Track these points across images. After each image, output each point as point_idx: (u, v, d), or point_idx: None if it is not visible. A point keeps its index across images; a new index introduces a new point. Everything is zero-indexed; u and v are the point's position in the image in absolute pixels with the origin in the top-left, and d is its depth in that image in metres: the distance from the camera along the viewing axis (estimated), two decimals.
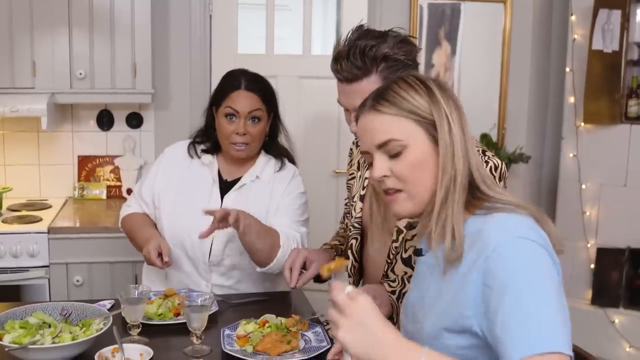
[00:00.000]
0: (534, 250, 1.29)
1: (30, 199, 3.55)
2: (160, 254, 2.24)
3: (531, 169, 4.09)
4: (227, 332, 1.91)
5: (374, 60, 1.89)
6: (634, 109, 3.90)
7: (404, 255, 1.98)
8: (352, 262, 2.14)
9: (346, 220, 2.35)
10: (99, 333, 1.75)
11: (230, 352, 1.78)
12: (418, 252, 1.55)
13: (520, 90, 4.04)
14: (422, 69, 2.33)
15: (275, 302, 2.24)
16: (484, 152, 1.97)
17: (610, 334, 3.84)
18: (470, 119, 1.46)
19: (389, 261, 2.01)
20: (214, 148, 2.48)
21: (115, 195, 3.63)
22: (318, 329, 1.96)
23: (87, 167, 3.63)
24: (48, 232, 3.06)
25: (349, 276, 2.19)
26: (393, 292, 1.92)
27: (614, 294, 3.92)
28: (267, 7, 3.72)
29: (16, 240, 3.03)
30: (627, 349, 3.81)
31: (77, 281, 3.09)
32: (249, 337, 1.88)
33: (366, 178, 2.13)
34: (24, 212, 3.30)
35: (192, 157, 2.48)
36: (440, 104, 1.41)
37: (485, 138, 3.93)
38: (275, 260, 2.29)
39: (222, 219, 2.13)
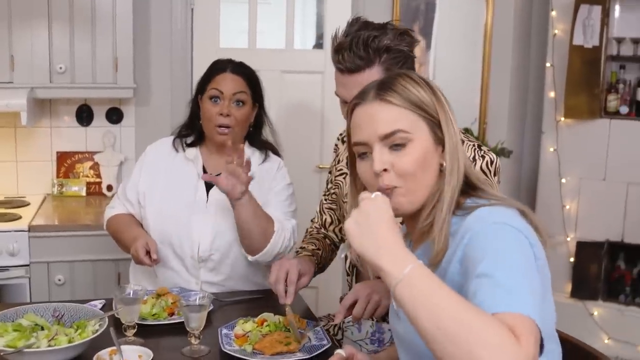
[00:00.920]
0: (508, 231, 1.25)
1: (7, 196, 3.47)
2: (148, 252, 2.21)
3: (511, 163, 4.11)
4: (224, 331, 1.88)
5: (376, 51, 1.88)
6: (613, 103, 3.95)
7: None
8: (350, 260, 2.12)
9: (324, 216, 2.30)
10: (95, 335, 1.71)
11: (231, 352, 1.76)
12: None
13: (502, 84, 4.06)
14: None
15: (269, 299, 2.21)
16: (479, 146, 1.96)
17: (589, 326, 3.89)
18: None
19: None
20: (199, 139, 2.46)
21: (95, 192, 3.57)
22: (317, 328, 1.93)
23: (66, 163, 3.55)
24: (28, 230, 2.99)
25: (347, 274, 2.18)
26: None
27: (593, 286, 3.97)
28: (249, 1, 3.68)
29: None
30: (606, 341, 3.87)
31: (59, 280, 3.03)
32: (248, 337, 1.85)
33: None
34: (2, 210, 3.22)
35: (177, 150, 2.45)
36: (444, 103, 1.40)
37: (466, 132, 3.94)
38: (267, 246, 2.26)
39: (246, 166, 2.13)
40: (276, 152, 2.54)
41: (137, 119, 3.63)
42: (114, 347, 1.69)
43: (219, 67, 2.41)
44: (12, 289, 2.97)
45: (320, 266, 2.22)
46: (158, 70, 3.63)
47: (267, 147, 2.51)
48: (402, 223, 1.82)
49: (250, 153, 2.44)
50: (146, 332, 1.89)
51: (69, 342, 1.66)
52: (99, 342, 1.72)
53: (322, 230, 2.31)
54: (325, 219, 2.30)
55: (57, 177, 3.54)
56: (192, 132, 2.47)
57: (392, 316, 1.56)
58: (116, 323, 1.87)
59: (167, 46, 3.62)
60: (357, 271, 2.18)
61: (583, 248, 3.98)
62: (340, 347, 1.66)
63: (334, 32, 1.98)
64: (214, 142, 2.39)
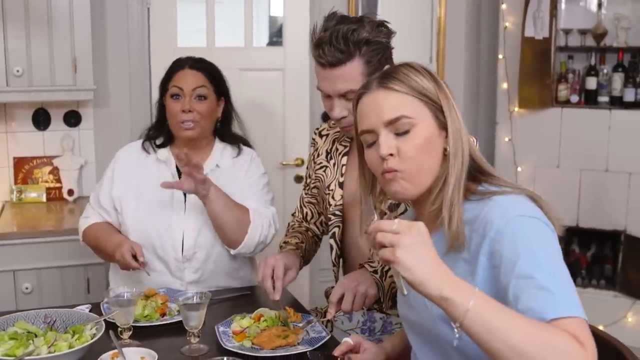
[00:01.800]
0: (534, 225, 1.32)
1: None
2: (134, 256, 2.18)
3: None
4: (221, 328, 1.87)
5: (356, 44, 1.90)
6: (563, 93, 4.08)
7: None
8: (335, 250, 2.14)
9: (305, 210, 2.31)
10: (94, 339, 1.67)
11: (232, 349, 1.75)
12: None
13: (456, 78, 4.14)
14: None
15: (258, 295, 2.21)
16: None
17: None
18: None
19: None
20: (168, 139, 2.44)
21: (56, 197, 3.47)
22: (311, 322, 1.94)
23: (23, 169, 3.45)
24: None
25: (333, 265, 2.19)
26: (375, 272, 1.93)
27: None
28: (207, 0, 3.65)
29: None
30: None
31: (26, 288, 2.94)
32: (246, 333, 1.84)
33: (343, 165, 2.13)
34: None
35: (148, 152, 2.43)
36: (445, 90, 1.44)
37: None
38: (246, 237, 2.28)
39: (194, 168, 2.14)
40: (248, 145, 2.54)
41: (96, 121, 3.56)
42: (115, 350, 1.66)
43: (178, 64, 2.41)
44: None
45: (305, 259, 2.22)
46: (115, 71, 3.56)
47: (238, 141, 2.50)
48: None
49: (222, 148, 2.45)
50: (141, 334, 1.86)
51: (69, 347, 1.62)
52: (95, 347, 1.69)
53: (304, 223, 2.31)
54: (307, 213, 2.31)
55: (15, 183, 3.44)
56: (160, 133, 2.45)
57: (402, 304, 1.59)
58: (108, 327, 1.83)
59: (124, 46, 3.56)
60: (343, 262, 2.19)
61: None
62: None
63: (311, 28, 2.00)
64: (181, 139, 2.37)
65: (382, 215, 1.96)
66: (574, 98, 4.07)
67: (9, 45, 3.09)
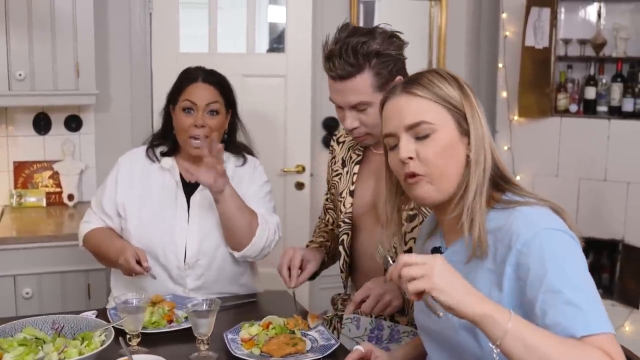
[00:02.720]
0: (562, 238, 1.34)
1: None
2: (138, 261, 2.17)
3: None
4: (230, 336, 1.87)
5: (366, 57, 1.91)
6: (562, 102, 4.09)
7: (405, 248, 1.99)
8: (343, 257, 2.14)
9: (327, 216, 2.34)
10: (104, 346, 1.67)
11: (242, 357, 1.74)
12: (437, 250, 1.55)
13: None
14: None
15: (265, 302, 2.21)
16: None
17: None
18: None
19: (392, 256, 2.01)
20: (173, 149, 2.43)
21: (56, 202, 3.46)
22: (321, 327, 1.94)
23: (24, 173, 3.44)
24: None
25: (341, 271, 2.19)
26: None
27: None
28: (209, 6, 3.65)
29: None
30: None
31: (27, 294, 2.93)
32: (255, 340, 1.84)
33: (355, 173, 2.14)
34: None
35: (152, 160, 2.42)
36: (471, 97, 1.45)
37: None
38: (253, 239, 2.28)
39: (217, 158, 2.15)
40: (251, 154, 2.55)
41: (97, 126, 3.55)
42: (125, 357, 1.65)
43: (190, 76, 2.37)
44: None
45: (331, 256, 2.25)
46: (117, 76, 3.56)
47: (242, 150, 2.50)
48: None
49: (226, 158, 2.43)
50: (149, 341, 1.85)
51: (80, 354, 1.61)
52: (104, 353, 1.68)
53: (330, 226, 2.33)
54: (328, 219, 2.35)
55: (15, 187, 3.42)
56: (165, 141, 2.44)
57: (420, 313, 1.59)
58: (116, 333, 1.82)
59: (126, 51, 3.56)
60: (353, 269, 2.20)
61: None
62: None
63: (324, 39, 2.01)
64: (189, 153, 2.36)
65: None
66: (573, 107, 4.08)
67: (12, 50, 3.08)
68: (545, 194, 4.16)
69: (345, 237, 2.13)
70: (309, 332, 1.91)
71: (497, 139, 4.17)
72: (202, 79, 2.35)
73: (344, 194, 2.15)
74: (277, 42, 4.06)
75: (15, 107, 3.35)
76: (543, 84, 4.00)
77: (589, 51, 4.07)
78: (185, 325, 1.94)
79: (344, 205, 2.14)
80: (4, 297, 2.91)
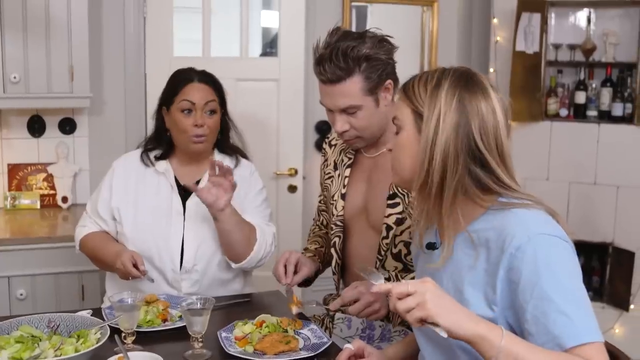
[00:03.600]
0: (556, 244, 1.36)
1: None
2: (134, 265, 2.18)
3: None
4: (224, 334, 1.89)
5: (356, 61, 1.94)
6: (553, 106, 4.13)
7: (394, 251, 2.02)
8: (335, 260, 2.17)
9: (321, 218, 2.37)
10: (100, 343, 1.68)
11: (236, 354, 1.76)
12: (431, 246, 1.58)
13: None
14: None
15: (259, 302, 2.23)
16: None
17: None
18: None
19: (380, 257, 2.05)
20: (167, 152, 2.44)
21: (50, 204, 3.48)
22: (313, 326, 1.97)
23: (17, 175, 3.45)
24: None
25: (333, 273, 2.22)
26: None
27: None
28: (203, 10, 3.68)
29: None
30: None
31: (21, 295, 2.94)
32: (248, 338, 1.86)
33: (346, 177, 2.17)
34: None
35: (147, 165, 2.42)
36: (439, 101, 1.44)
37: None
38: (252, 253, 2.29)
39: (225, 173, 2.16)
40: (245, 156, 2.55)
41: (91, 128, 3.57)
42: (120, 355, 1.67)
43: (185, 77, 2.38)
44: None
45: (325, 262, 2.28)
46: (111, 79, 3.58)
47: (236, 152, 2.51)
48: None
49: (221, 160, 2.44)
50: (144, 339, 1.87)
51: (76, 351, 1.63)
52: (99, 351, 1.69)
53: (324, 229, 2.35)
54: (322, 220, 2.38)
55: (9, 190, 3.44)
56: (158, 145, 2.45)
57: None
58: (112, 331, 1.84)
59: (120, 55, 3.58)
60: (344, 270, 2.22)
61: None
62: None
63: (314, 43, 2.03)
64: (190, 152, 2.37)
65: (388, 229, 2.01)
66: (563, 112, 4.13)
67: (7, 52, 3.10)
68: None
69: (337, 239, 2.15)
70: (301, 331, 1.93)
71: None
72: (197, 79, 2.37)
73: (335, 197, 2.17)
74: (270, 47, 4.10)
75: (10, 110, 3.36)
76: (533, 89, 4.05)
77: (579, 56, 4.12)
78: (179, 324, 1.96)
79: (335, 208, 2.16)
80: None
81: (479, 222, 1.46)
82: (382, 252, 2.04)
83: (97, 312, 2.04)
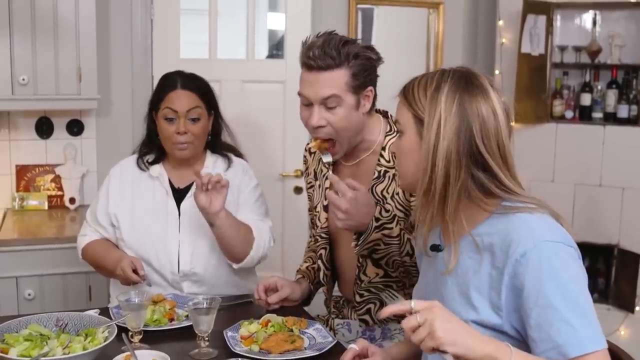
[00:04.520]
0: (562, 251, 1.36)
1: None
2: (134, 270, 2.20)
3: None
4: (229, 333, 1.90)
5: (346, 55, 1.95)
6: (558, 108, 4.14)
7: (375, 257, 2.03)
8: (323, 271, 2.18)
9: (312, 230, 2.35)
10: (108, 341, 1.70)
11: (241, 353, 1.78)
12: (435, 248, 1.59)
13: None
14: None
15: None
16: None
17: None
18: None
19: (359, 264, 2.05)
20: (160, 155, 2.45)
21: (57, 205, 3.50)
22: (318, 325, 1.98)
23: (26, 176, 3.48)
24: None
25: (322, 284, 2.23)
26: (377, 220, 1.94)
27: None
28: (209, 13, 3.70)
29: None
30: None
31: (29, 295, 2.96)
32: (254, 337, 1.88)
33: (327, 188, 2.14)
34: None
35: (142, 169, 2.44)
36: (439, 106, 1.44)
37: None
38: (251, 252, 2.31)
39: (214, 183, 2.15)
40: (238, 154, 2.56)
41: (99, 130, 3.59)
42: (128, 353, 1.69)
43: (169, 83, 2.37)
44: None
45: (317, 281, 2.28)
46: (118, 81, 3.60)
47: (229, 150, 2.52)
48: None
49: (214, 161, 2.46)
50: (151, 338, 1.89)
51: (84, 349, 1.65)
52: (107, 350, 1.72)
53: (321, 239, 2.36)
54: (313, 232, 2.36)
55: (17, 191, 3.46)
56: (151, 149, 2.47)
57: None
58: (119, 330, 1.86)
59: (127, 57, 3.60)
60: (336, 278, 2.24)
61: None
62: None
63: (305, 37, 2.03)
64: (175, 158, 2.39)
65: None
66: (569, 114, 4.13)
67: (15, 54, 3.12)
68: (540, 198, 4.21)
69: (323, 251, 2.17)
70: (307, 330, 1.95)
71: None
72: (180, 85, 2.35)
73: (318, 208, 2.18)
74: (276, 49, 4.11)
75: (18, 111, 3.39)
76: (539, 91, 4.06)
77: (585, 58, 4.12)
78: (185, 324, 1.98)
79: (319, 219, 2.17)
80: (6, 299, 2.94)
81: (483, 226, 1.47)
82: (361, 259, 2.04)
83: (104, 312, 2.07)
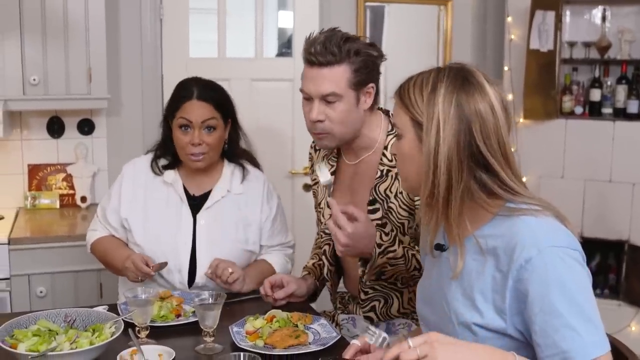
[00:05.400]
0: (566, 256, 1.35)
1: None
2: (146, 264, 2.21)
3: None
4: (235, 329, 1.93)
5: (348, 52, 1.97)
6: (568, 104, 4.14)
7: (384, 277, 2.05)
8: (327, 267, 2.20)
9: (318, 227, 2.37)
10: (114, 337, 1.73)
11: (246, 348, 1.80)
12: (440, 247, 1.59)
13: None
14: None
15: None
16: None
17: None
18: None
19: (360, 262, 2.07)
20: (175, 161, 2.42)
21: (69, 203, 3.54)
22: (323, 321, 2.00)
23: (37, 175, 3.52)
24: (8, 244, 2.96)
25: (326, 280, 2.24)
26: (379, 246, 1.95)
27: None
28: (218, 12, 3.73)
29: None
30: None
31: (41, 292, 3.00)
32: (259, 333, 1.90)
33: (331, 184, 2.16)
34: None
35: (156, 174, 2.41)
36: (435, 106, 1.42)
37: None
38: None
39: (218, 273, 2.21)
40: (255, 163, 2.54)
41: (109, 129, 3.63)
42: (134, 348, 1.72)
43: (184, 93, 2.34)
44: None
45: (322, 278, 2.30)
46: (128, 81, 3.64)
47: (245, 159, 2.50)
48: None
49: (231, 172, 2.43)
50: (157, 334, 1.92)
51: (90, 344, 1.68)
52: (114, 344, 1.75)
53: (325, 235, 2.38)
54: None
55: (30, 190, 3.51)
56: (166, 153, 2.43)
57: (421, 302, 1.65)
58: (126, 326, 1.89)
59: (137, 57, 3.63)
60: (341, 274, 2.26)
61: None
62: None
63: (308, 35, 2.05)
64: (190, 167, 2.38)
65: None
66: (578, 109, 4.13)
67: (26, 55, 3.16)
68: (551, 195, 4.23)
69: (327, 247, 2.19)
70: (311, 326, 1.97)
71: None
72: (197, 95, 2.31)
73: (322, 205, 2.20)
74: (286, 47, 4.14)
75: (30, 111, 3.43)
76: (548, 87, 4.05)
77: (594, 54, 4.12)
78: (192, 319, 2.00)
79: (323, 216, 2.19)
80: (19, 296, 2.99)
81: (487, 227, 1.46)
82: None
83: (113, 308, 2.09)
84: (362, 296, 2.12)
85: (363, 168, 2.10)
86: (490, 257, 1.43)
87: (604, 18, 4.09)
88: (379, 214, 2.03)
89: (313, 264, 2.32)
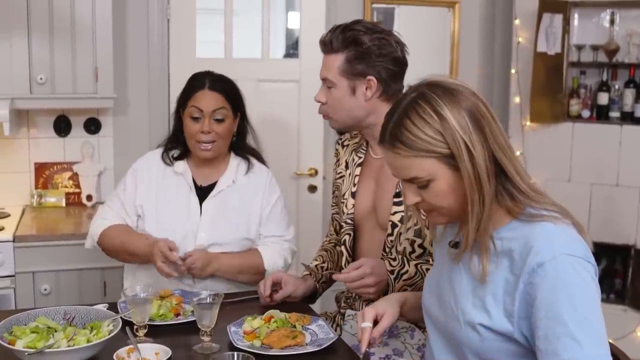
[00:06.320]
0: (579, 267, 1.35)
1: None
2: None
3: None
4: (233, 328, 1.93)
5: (344, 41, 2.04)
6: (575, 107, 4.12)
7: (399, 248, 2.05)
8: (346, 257, 2.20)
9: (334, 222, 2.38)
10: (112, 334, 1.74)
11: (243, 348, 1.81)
12: (456, 245, 1.57)
13: None
14: None
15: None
16: None
17: None
18: None
19: (384, 254, 2.08)
20: (185, 152, 2.50)
21: (75, 202, 3.56)
22: (321, 322, 2.00)
23: (44, 174, 3.54)
24: (13, 241, 2.98)
25: (331, 283, 2.26)
26: (392, 272, 2.01)
27: None
28: (225, 12, 3.74)
29: None
30: None
31: (45, 290, 3.03)
32: (256, 333, 1.91)
33: (356, 175, 2.20)
34: None
35: (167, 164, 2.48)
36: (455, 131, 1.39)
37: None
38: (266, 274, 2.40)
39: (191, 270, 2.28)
40: (261, 159, 2.59)
41: (115, 129, 3.65)
42: (131, 346, 1.73)
43: (197, 83, 2.42)
44: None
45: (324, 280, 2.30)
46: (135, 80, 3.66)
47: (251, 154, 2.55)
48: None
49: (237, 164, 2.50)
50: (155, 333, 1.92)
51: (88, 341, 1.69)
52: (112, 342, 1.76)
53: (334, 237, 2.39)
54: (336, 225, 2.38)
55: (36, 188, 3.53)
56: (177, 145, 2.51)
57: (429, 297, 1.65)
58: (124, 324, 1.90)
59: (144, 56, 3.65)
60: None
61: None
62: None
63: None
64: (199, 156, 2.44)
65: (393, 227, 2.04)
66: (586, 113, 4.11)
67: (33, 54, 3.19)
68: (557, 199, 4.21)
69: (347, 237, 2.19)
70: (309, 327, 1.97)
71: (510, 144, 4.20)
72: (208, 86, 2.40)
73: (346, 196, 2.21)
74: (293, 48, 4.15)
75: (37, 110, 3.46)
76: (555, 90, 4.04)
77: (602, 57, 4.09)
78: (191, 319, 2.00)
79: (346, 206, 2.20)
80: (23, 293, 3.01)
81: (504, 230, 1.46)
82: (387, 249, 2.07)
83: (113, 306, 2.10)
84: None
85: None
86: (504, 259, 1.43)
87: (612, 21, 4.07)
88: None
89: (315, 266, 2.32)
